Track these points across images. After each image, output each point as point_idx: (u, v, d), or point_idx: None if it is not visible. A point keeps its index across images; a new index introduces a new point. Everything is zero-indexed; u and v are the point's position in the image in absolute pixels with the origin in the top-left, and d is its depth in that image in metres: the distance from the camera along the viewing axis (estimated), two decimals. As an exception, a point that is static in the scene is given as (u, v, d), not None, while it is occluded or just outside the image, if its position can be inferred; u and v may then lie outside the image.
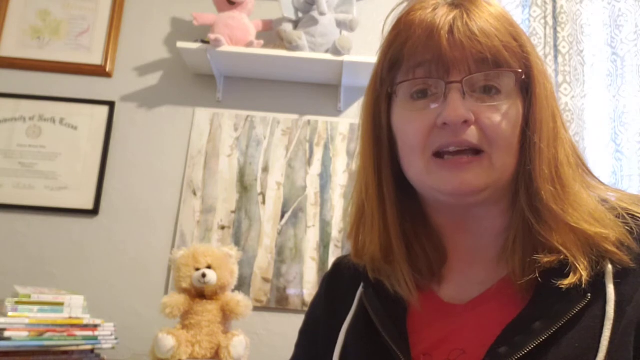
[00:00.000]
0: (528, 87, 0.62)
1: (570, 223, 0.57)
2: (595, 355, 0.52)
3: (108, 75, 2.09)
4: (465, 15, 0.60)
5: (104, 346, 1.56)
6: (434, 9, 0.61)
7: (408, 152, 0.63)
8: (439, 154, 0.61)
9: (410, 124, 0.62)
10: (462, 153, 0.59)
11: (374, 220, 0.66)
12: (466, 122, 0.58)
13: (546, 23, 2.04)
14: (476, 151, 0.59)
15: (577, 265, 0.56)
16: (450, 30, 0.59)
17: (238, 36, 1.95)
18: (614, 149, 2.01)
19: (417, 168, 0.62)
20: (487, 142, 0.59)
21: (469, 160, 0.59)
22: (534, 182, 0.59)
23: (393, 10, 0.66)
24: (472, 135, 0.59)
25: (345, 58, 1.91)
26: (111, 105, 2.05)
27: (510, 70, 0.60)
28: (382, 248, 0.65)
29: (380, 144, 0.66)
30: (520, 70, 0.60)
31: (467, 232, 0.66)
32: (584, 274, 0.55)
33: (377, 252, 0.66)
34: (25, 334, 1.43)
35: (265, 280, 1.93)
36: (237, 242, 1.94)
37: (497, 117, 0.59)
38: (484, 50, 0.59)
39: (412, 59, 0.61)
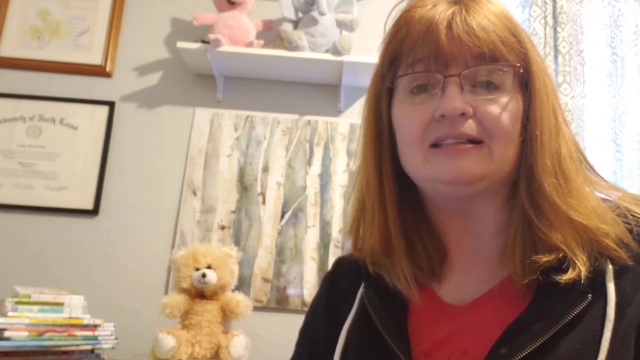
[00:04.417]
0: (528, 82, 0.62)
1: (572, 217, 0.57)
2: (596, 357, 0.51)
3: (108, 75, 2.09)
4: (464, 11, 0.61)
5: (104, 346, 1.56)
6: (434, 6, 0.62)
7: (406, 144, 0.63)
8: (436, 145, 0.61)
9: (408, 117, 0.62)
10: (459, 144, 0.60)
11: (374, 214, 0.66)
12: (464, 115, 0.59)
13: (546, 23, 2.04)
14: (475, 141, 0.59)
15: (576, 261, 0.56)
16: (449, 26, 0.60)
17: (238, 36, 1.95)
18: (614, 149, 2.01)
19: (415, 160, 0.63)
20: (487, 134, 0.59)
21: (467, 148, 0.59)
22: (535, 175, 0.59)
23: (394, 8, 0.67)
24: (470, 128, 0.59)
25: (345, 58, 1.91)
26: (111, 105, 2.05)
27: (507, 64, 0.60)
28: (382, 241, 0.66)
29: (381, 140, 0.67)
30: (518, 65, 0.61)
31: (467, 230, 0.66)
32: (583, 269, 0.55)
33: (377, 245, 0.66)
34: (25, 334, 1.43)
35: (265, 280, 1.93)
36: (237, 242, 1.94)
37: (496, 110, 0.59)
38: (481, 44, 0.59)
39: (411, 54, 0.62)
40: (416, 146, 0.62)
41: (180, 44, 1.93)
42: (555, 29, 2.04)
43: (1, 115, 2.03)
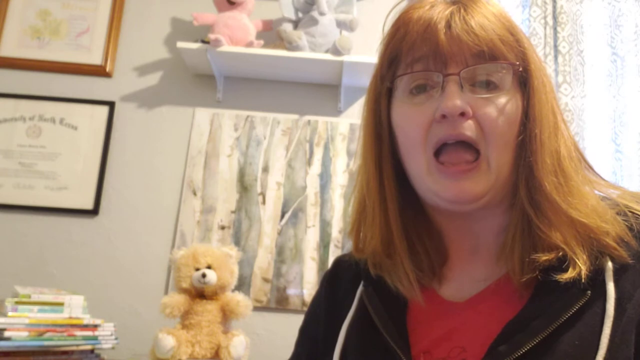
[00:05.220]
0: (526, 81, 0.62)
1: (572, 215, 0.57)
2: (596, 353, 0.51)
3: (108, 75, 2.09)
4: (462, 11, 0.61)
5: (104, 346, 1.56)
6: (432, 6, 0.62)
7: (409, 148, 0.63)
8: (438, 155, 0.61)
9: (409, 119, 0.62)
10: (460, 153, 0.60)
11: (374, 215, 0.66)
12: (463, 115, 0.59)
13: (546, 23, 2.04)
14: (472, 149, 0.60)
15: (576, 260, 0.56)
16: (448, 25, 0.60)
17: (238, 36, 1.95)
18: (614, 149, 2.01)
19: (418, 165, 0.63)
20: (484, 137, 0.59)
21: (468, 169, 0.60)
22: (535, 174, 0.59)
23: (393, 8, 0.67)
24: (469, 129, 0.59)
25: (345, 58, 1.91)
26: (111, 105, 2.05)
27: (507, 62, 0.60)
28: (383, 242, 0.66)
29: (380, 141, 0.67)
30: (517, 63, 0.61)
31: (468, 232, 0.66)
32: (583, 268, 0.55)
33: (379, 246, 0.66)
34: (25, 334, 1.43)
35: (265, 280, 1.93)
36: (237, 242, 1.94)
37: (494, 111, 0.59)
38: (481, 43, 0.59)
39: (411, 54, 0.62)
40: (419, 150, 0.62)
41: (180, 44, 1.93)
42: (555, 29, 2.04)
43: (1, 115, 2.03)
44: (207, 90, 2.09)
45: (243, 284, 1.89)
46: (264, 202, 1.99)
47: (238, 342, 1.51)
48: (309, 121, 2.06)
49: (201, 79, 2.10)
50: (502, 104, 0.60)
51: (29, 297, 1.49)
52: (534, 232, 0.59)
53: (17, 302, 1.47)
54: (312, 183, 2.01)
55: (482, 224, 0.65)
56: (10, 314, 1.44)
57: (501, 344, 0.55)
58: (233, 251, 1.65)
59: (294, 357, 0.78)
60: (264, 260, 1.94)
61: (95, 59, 2.09)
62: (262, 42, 1.99)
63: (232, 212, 1.98)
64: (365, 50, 1.99)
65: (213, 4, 2.01)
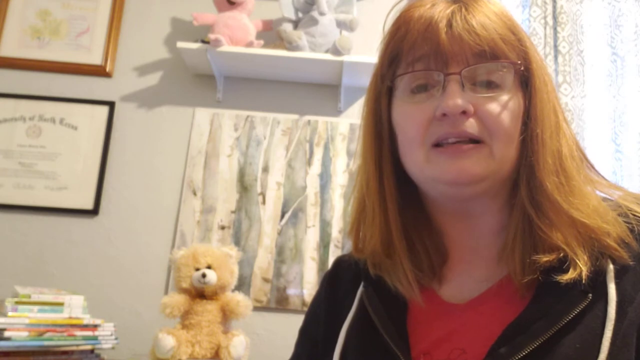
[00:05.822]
0: (528, 81, 0.62)
1: (573, 215, 0.57)
2: (597, 356, 0.51)
3: (108, 75, 2.09)
4: (463, 10, 0.61)
5: (104, 346, 1.56)
6: (433, 5, 0.62)
7: (408, 145, 0.63)
8: (438, 145, 0.60)
9: (409, 117, 0.62)
10: (461, 143, 0.59)
11: (374, 214, 0.66)
12: (465, 113, 0.58)
13: (546, 23, 2.04)
14: (476, 141, 0.59)
15: (577, 261, 0.56)
16: (449, 24, 0.60)
17: (238, 36, 1.95)
18: (614, 149, 2.01)
19: (416, 159, 0.62)
20: (488, 133, 0.59)
21: (469, 148, 0.59)
22: (536, 173, 0.59)
23: (393, 8, 0.67)
24: (471, 126, 0.59)
25: (345, 58, 1.91)
26: (111, 105, 2.05)
27: (508, 62, 0.60)
28: (383, 242, 0.65)
29: (381, 140, 0.66)
30: (519, 62, 0.60)
31: (468, 230, 0.66)
32: (584, 269, 0.55)
33: (378, 246, 0.66)
34: (25, 334, 1.43)
35: (265, 280, 1.92)
36: (237, 242, 1.94)
37: (496, 109, 0.59)
38: (482, 42, 0.59)
39: (411, 53, 0.62)
40: (418, 146, 0.61)
41: (180, 44, 1.93)
42: (555, 29, 2.04)
43: (1, 115, 2.03)
44: (207, 90, 2.09)
45: (243, 284, 1.89)
46: (264, 202, 1.99)
47: (238, 342, 1.51)
48: (309, 121, 2.06)
49: (201, 79, 2.10)
50: (504, 102, 0.59)
51: (29, 297, 1.49)
52: (535, 232, 0.58)
53: (17, 302, 1.46)
54: (312, 183, 2.01)
55: (482, 223, 0.65)
56: (10, 314, 1.44)
57: (502, 345, 0.54)
58: (233, 251, 1.65)
59: (294, 357, 0.78)
60: (264, 260, 1.94)
61: (95, 59, 2.09)
62: (262, 42, 1.99)
63: (232, 212, 1.98)
64: (365, 50, 1.99)
65: (213, 4, 2.01)
